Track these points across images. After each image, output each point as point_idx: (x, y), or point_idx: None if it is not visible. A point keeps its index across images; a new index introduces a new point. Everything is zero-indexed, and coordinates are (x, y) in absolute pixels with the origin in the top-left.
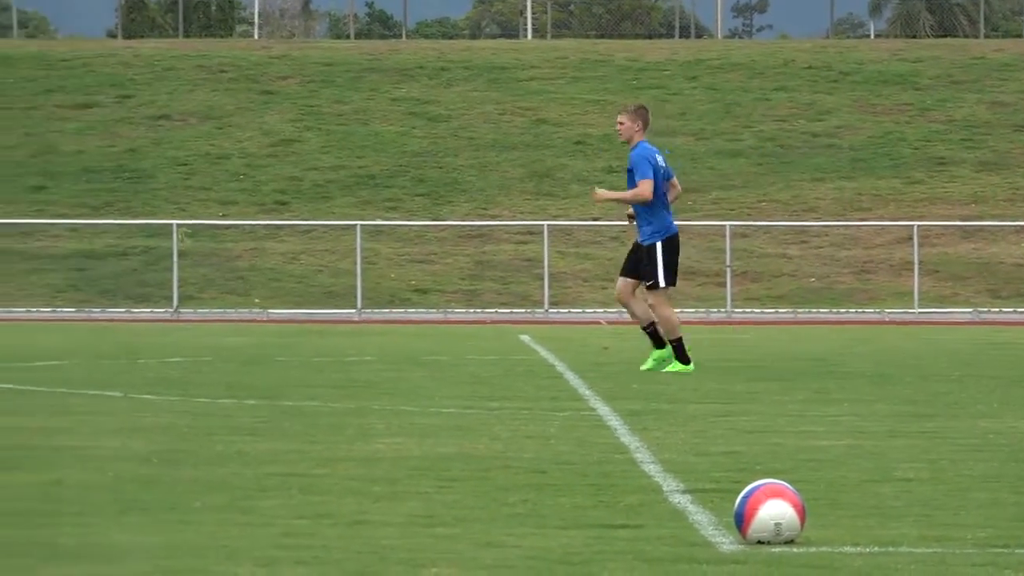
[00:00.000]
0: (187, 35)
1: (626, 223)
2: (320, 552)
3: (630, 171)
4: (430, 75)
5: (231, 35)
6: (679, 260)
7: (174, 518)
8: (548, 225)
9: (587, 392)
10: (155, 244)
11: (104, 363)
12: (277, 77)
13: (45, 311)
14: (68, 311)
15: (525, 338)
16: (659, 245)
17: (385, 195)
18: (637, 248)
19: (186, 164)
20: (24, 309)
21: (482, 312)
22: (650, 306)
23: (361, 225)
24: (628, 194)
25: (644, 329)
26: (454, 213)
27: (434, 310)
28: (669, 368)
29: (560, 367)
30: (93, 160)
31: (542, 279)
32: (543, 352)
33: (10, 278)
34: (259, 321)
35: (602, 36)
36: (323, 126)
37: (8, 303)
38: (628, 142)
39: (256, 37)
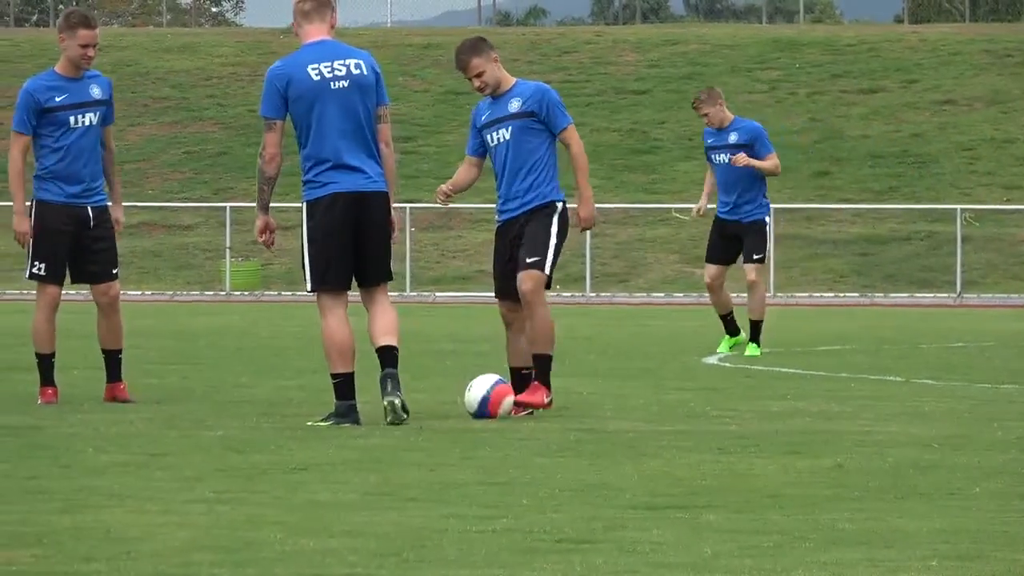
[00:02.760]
0: (974, 19)
1: None
2: None
3: (746, 145)
4: None
5: (1019, 19)
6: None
7: (954, 504)
8: None
9: None
10: (939, 229)
11: (886, 348)
12: None
13: (828, 296)
14: (851, 296)
15: None
16: (768, 220)
17: None
18: (723, 228)
19: (970, 149)
20: (807, 294)
21: None
22: (752, 282)
23: None
24: (769, 164)
25: (723, 317)
26: None
27: None
28: (748, 352)
29: None
30: (878, 145)
31: None
32: None
33: (794, 263)
34: None
35: None
36: None
37: (791, 288)
38: (721, 125)
39: None
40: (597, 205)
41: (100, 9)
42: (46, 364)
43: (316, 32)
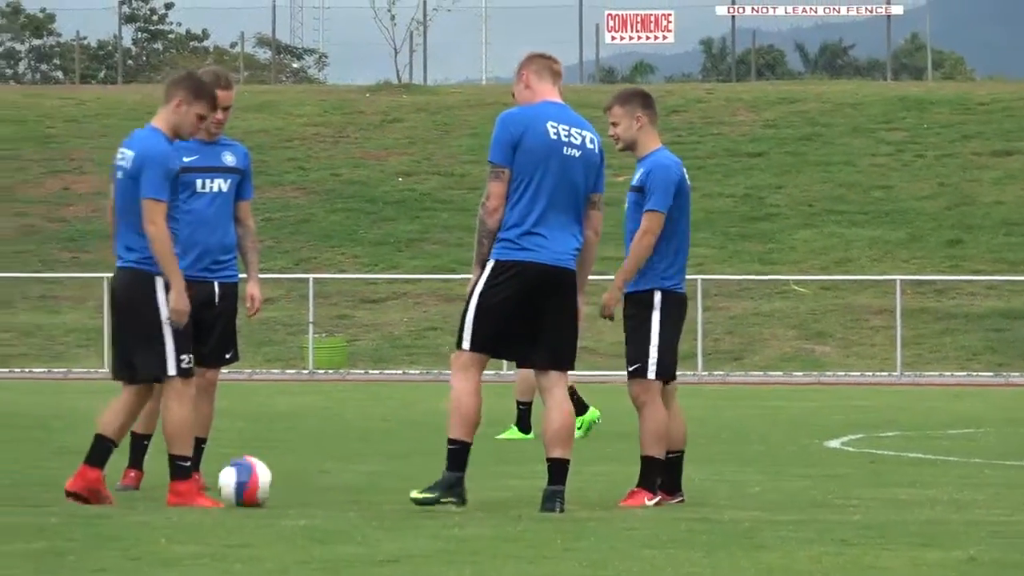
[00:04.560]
0: None
1: None
2: None
3: None
4: None
5: None
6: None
7: None
8: None
9: None
10: None
11: (1022, 432)
12: None
13: (959, 375)
14: (985, 375)
15: None
16: None
17: None
18: None
19: None
20: (937, 373)
21: None
22: None
23: None
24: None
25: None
26: None
27: None
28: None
29: None
30: (1013, 212)
31: None
32: None
33: (923, 339)
34: None
35: None
36: None
37: (920, 366)
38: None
39: None
40: (708, 276)
41: (172, 66)
42: (139, 446)
43: (552, 94)
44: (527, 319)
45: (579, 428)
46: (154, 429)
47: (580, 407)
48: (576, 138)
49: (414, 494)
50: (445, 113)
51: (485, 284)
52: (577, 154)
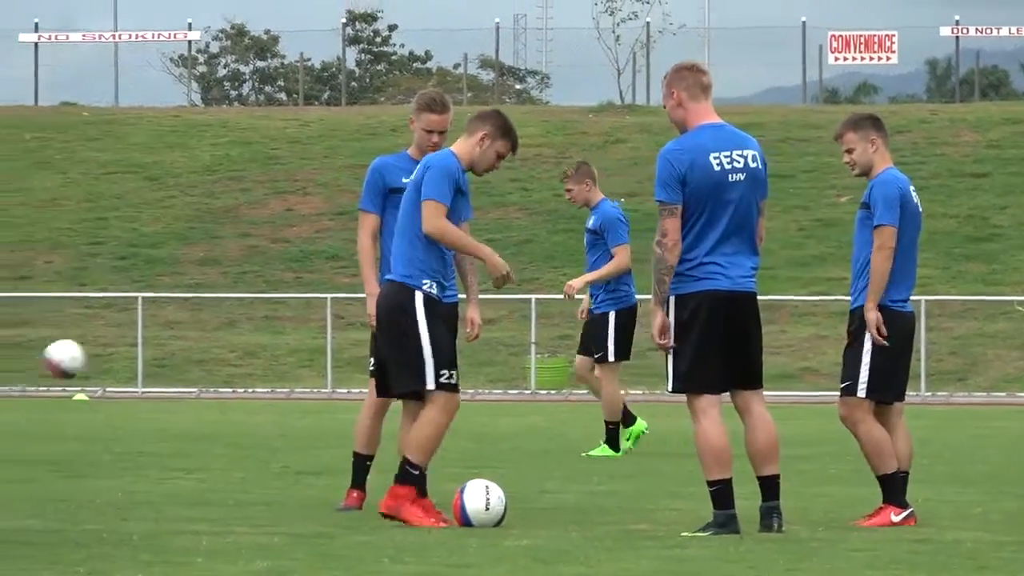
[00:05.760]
0: None
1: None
2: None
3: (592, 232)
4: None
5: None
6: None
7: None
8: None
9: None
10: None
11: None
12: None
13: None
14: None
15: None
16: (612, 315)
17: None
18: (590, 318)
19: None
20: None
21: None
22: (596, 378)
23: None
24: (602, 271)
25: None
26: None
27: None
28: (594, 451)
29: None
30: None
31: None
32: None
33: None
34: None
35: None
36: None
37: None
38: (586, 205)
39: None
40: (932, 297)
41: (395, 87)
42: (361, 467)
43: (708, 113)
44: (720, 346)
45: (628, 440)
46: (376, 450)
47: (628, 418)
48: (739, 161)
49: (686, 534)
50: (667, 134)
51: (675, 324)
52: (743, 178)
